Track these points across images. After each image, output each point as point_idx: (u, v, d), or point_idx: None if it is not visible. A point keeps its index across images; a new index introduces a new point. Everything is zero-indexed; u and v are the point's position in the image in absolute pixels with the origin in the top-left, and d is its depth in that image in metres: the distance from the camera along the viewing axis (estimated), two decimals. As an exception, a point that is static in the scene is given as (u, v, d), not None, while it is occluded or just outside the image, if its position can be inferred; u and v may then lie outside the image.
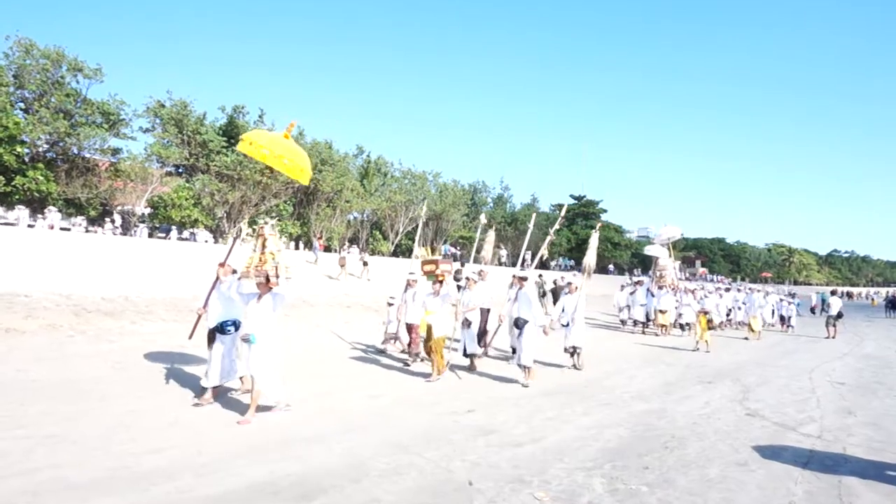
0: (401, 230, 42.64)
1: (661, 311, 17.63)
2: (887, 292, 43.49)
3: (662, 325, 17.61)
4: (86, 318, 11.34)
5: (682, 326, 18.13)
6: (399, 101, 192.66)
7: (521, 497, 4.45)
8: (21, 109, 25.82)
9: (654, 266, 25.49)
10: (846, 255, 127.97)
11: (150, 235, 29.97)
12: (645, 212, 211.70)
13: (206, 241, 30.33)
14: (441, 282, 9.26)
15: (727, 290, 24.41)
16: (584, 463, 5.31)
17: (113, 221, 28.59)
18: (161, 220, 30.37)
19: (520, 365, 8.97)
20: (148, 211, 30.65)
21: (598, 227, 12.00)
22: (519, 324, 9.10)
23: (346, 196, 37.15)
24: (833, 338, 19.06)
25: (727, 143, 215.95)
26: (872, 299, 58.43)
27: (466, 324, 9.98)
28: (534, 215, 13.12)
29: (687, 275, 67.55)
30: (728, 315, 21.61)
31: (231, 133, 32.66)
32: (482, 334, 10.82)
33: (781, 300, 23.02)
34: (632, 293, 19.03)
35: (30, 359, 8.52)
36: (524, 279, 9.29)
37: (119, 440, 5.34)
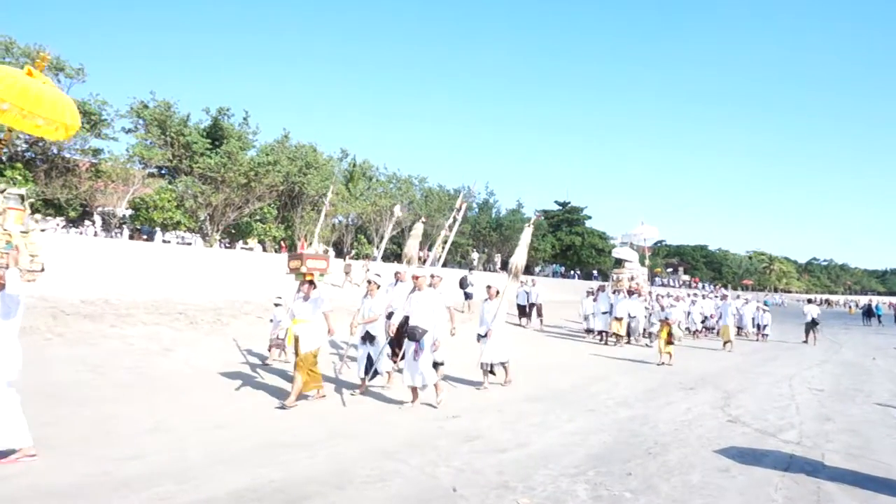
0: (386, 234, 42.49)
1: (616, 319, 16.32)
2: (869, 301, 44.29)
3: (617, 335, 16.35)
4: (64, 320, 11.13)
5: (650, 336, 17.03)
6: (385, 105, 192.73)
7: (505, 503, 4.45)
8: None
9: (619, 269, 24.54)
10: (825, 263, 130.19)
11: (132, 237, 29.60)
12: (629, 218, 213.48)
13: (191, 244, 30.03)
14: (310, 282, 7.69)
15: (703, 297, 23.35)
16: (569, 469, 5.32)
17: (93, 223, 28.20)
18: (143, 222, 30.02)
19: (418, 386, 7.45)
20: (129, 212, 30.27)
21: (532, 222, 10.22)
22: (416, 335, 7.33)
23: (330, 200, 36.99)
24: (806, 342, 19.63)
25: (710, 151, 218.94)
26: (850, 307, 59.61)
27: (368, 338, 8.29)
28: (464, 206, 11.54)
29: (680, 282, 68.18)
30: (704, 323, 20.88)
31: (215, 135, 32.41)
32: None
33: (758, 308, 22.08)
34: (594, 300, 17.71)
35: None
36: (420, 277, 7.61)
37: (99, 446, 5.26)
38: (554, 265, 58.63)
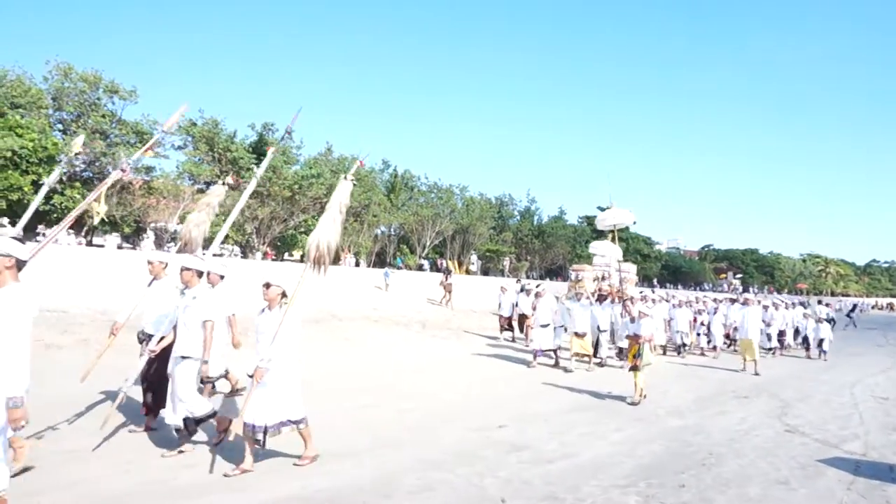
0: (428, 244, 42.79)
1: (577, 335, 11.78)
2: None
3: (579, 355, 11.87)
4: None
5: (619, 352, 13.23)
6: (425, 115, 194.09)
7: (554, 515, 4.37)
8: (59, 131, 26.80)
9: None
10: (886, 265, 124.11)
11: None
12: (675, 222, 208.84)
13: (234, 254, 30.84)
14: None
15: (732, 301, 18.29)
16: (619, 480, 5.20)
17: (143, 239, 29.34)
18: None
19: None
20: (180, 227, 31.37)
21: (351, 173, 6.05)
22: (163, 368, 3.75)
23: (373, 210, 37.50)
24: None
25: (760, 151, 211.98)
26: (892, 306, 57.17)
27: None
28: (272, 150, 8.16)
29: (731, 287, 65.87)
30: (728, 336, 16.19)
31: (261, 150, 33.34)
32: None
33: (806, 316, 17.27)
34: (532, 309, 12.93)
35: (65, 373, 8.69)
36: (160, 264, 4.04)
37: (154, 454, 5.40)
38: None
